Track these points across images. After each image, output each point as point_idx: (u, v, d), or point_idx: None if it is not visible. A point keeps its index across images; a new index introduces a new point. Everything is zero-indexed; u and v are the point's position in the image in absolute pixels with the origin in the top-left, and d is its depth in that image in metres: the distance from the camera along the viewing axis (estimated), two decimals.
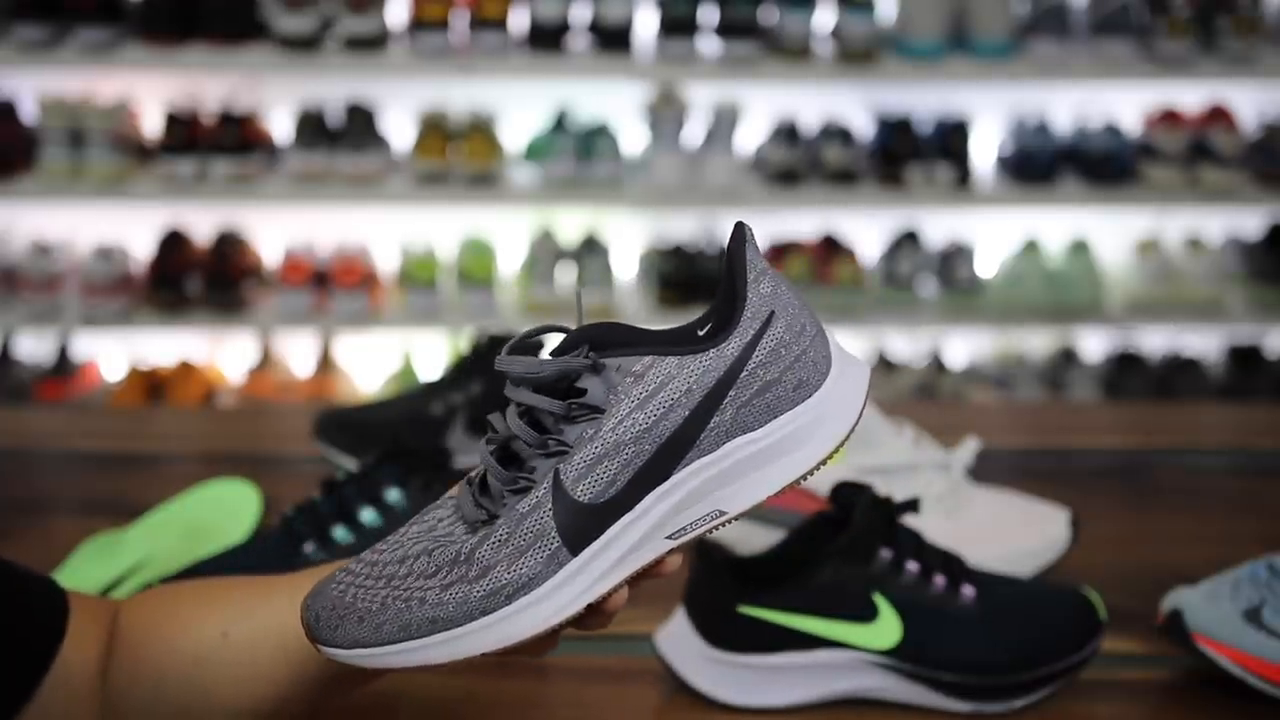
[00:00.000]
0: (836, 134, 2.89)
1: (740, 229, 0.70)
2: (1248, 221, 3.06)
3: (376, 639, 0.66)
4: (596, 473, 0.67)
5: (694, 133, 2.92)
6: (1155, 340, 3.08)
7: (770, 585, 0.91)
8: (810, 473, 0.69)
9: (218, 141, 2.79)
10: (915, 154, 2.87)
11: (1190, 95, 2.99)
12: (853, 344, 3.06)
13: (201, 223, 2.95)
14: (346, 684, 0.77)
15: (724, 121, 2.89)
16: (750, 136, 2.98)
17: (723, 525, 0.69)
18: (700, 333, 0.71)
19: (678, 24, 2.78)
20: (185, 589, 0.80)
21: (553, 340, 0.71)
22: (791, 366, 0.69)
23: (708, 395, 0.67)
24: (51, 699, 0.72)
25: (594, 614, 0.69)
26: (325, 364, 2.99)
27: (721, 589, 0.91)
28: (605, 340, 0.68)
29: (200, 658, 0.74)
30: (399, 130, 2.96)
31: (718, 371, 0.68)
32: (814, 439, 0.69)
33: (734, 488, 0.68)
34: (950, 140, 2.89)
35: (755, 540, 1.08)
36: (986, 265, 3.02)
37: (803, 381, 0.69)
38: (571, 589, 0.67)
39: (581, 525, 0.67)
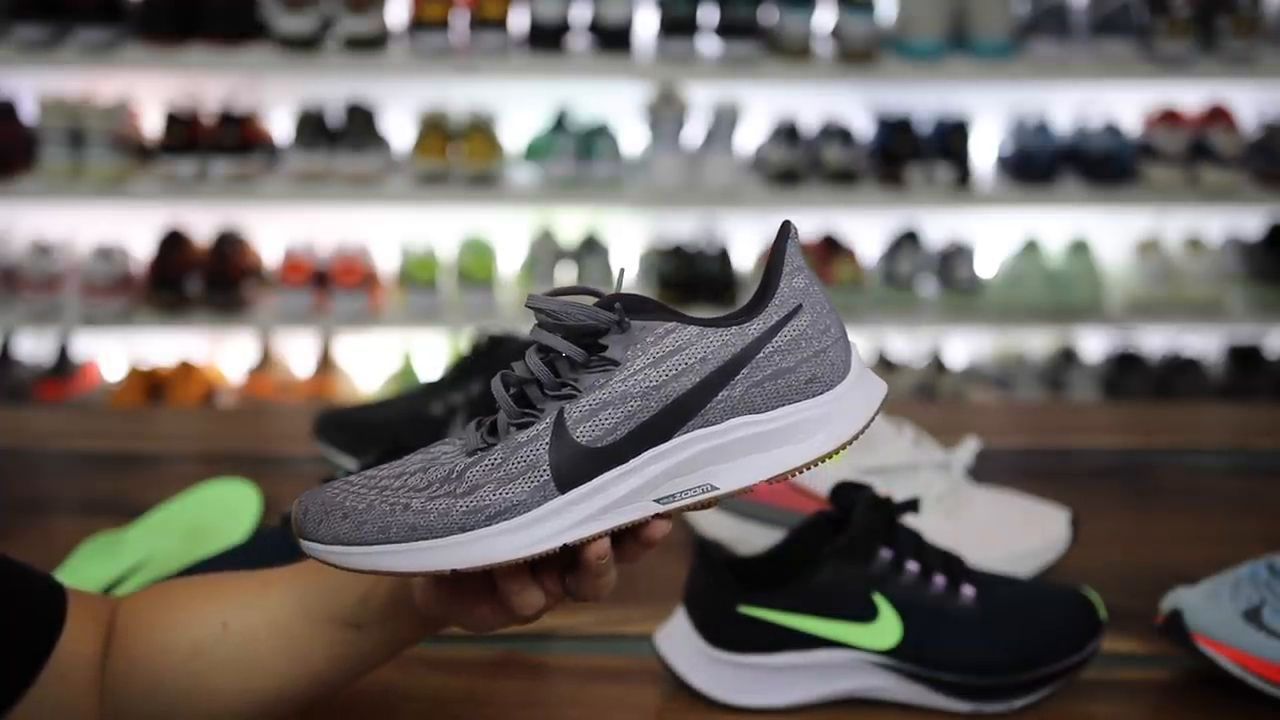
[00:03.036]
0: (836, 134, 2.89)
1: (786, 226, 0.72)
2: (1248, 221, 3.06)
3: (355, 537, 0.67)
4: (600, 418, 0.68)
5: (694, 133, 2.92)
6: (1155, 340, 3.08)
7: (770, 585, 0.91)
8: (806, 467, 0.70)
9: (218, 141, 2.79)
10: (915, 154, 2.87)
11: (1190, 95, 2.99)
12: None
13: (201, 223, 2.95)
14: (347, 675, 0.77)
15: (724, 121, 2.89)
16: (750, 136, 2.98)
17: (711, 502, 0.70)
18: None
19: (678, 24, 2.78)
20: (184, 583, 0.81)
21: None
22: (808, 360, 0.70)
23: (721, 368, 0.69)
24: (51, 692, 0.72)
25: (579, 573, 0.70)
26: (325, 364, 2.99)
27: (721, 589, 0.91)
28: (636, 306, 0.70)
29: (200, 649, 0.74)
30: (399, 130, 2.96)
31: (735, 347, 0.69)
32: (816, 435, 0.70)
33: (729, 465, 0.69)
34: (950, 140, 2.89)
35: (755, 540, 1.08)
36: (986, 265, 3.02)
37: (816, 377, 0.70)
38: (551, 524, 0.67)
39: (575, 465, 0.68)
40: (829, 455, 0.70)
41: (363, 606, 0.75)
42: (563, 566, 0.71)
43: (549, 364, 0.70)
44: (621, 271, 0.74)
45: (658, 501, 0.69)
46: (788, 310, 0.70)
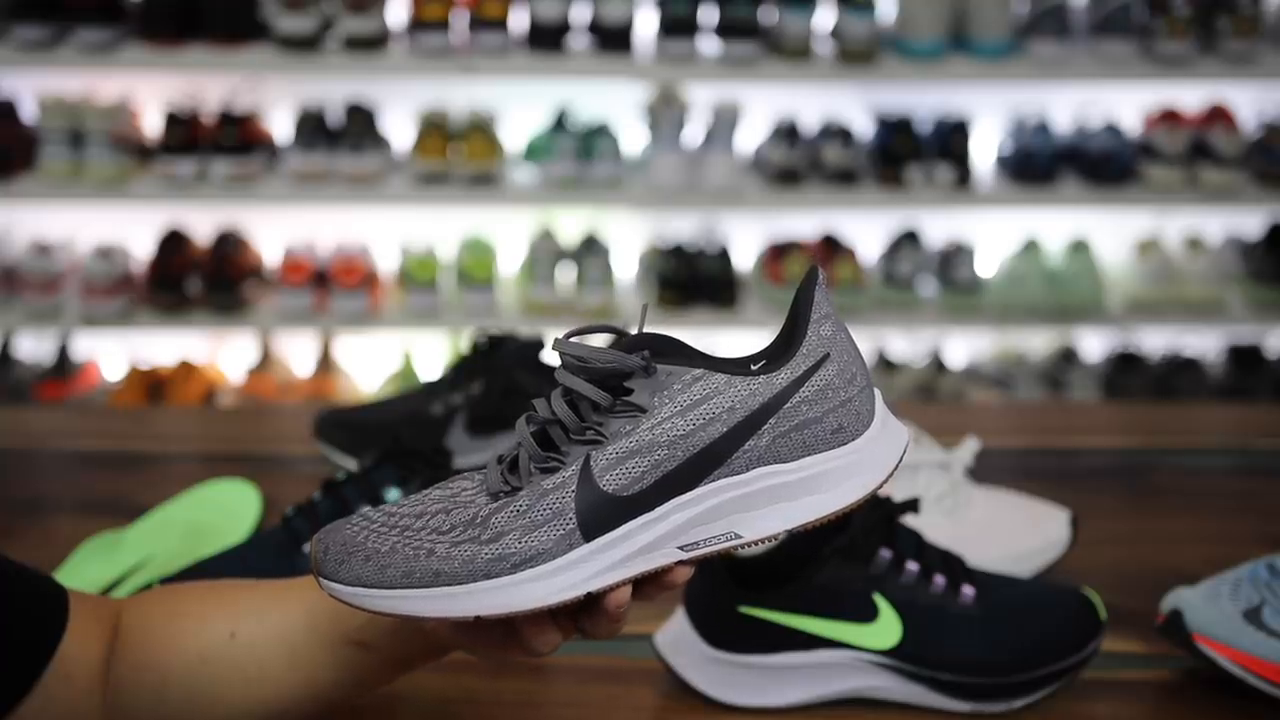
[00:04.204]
0: (836, 134, 2.89)
1: (814, 273, 0.72)
2: (1248, 221, 3.06)
3: (378, 580, 0.67)
4: (627, 466, 0.68)
5: (694, 133, 2.92)
6: (1155, 340, 3.08)
7: (770, 585, 0.91)
8: (830, 519, 0.70)
9: (218, 141, 2.79)
10: (915, 154, 2.87)
11: (1190, 95, 2.99)
12: None
13: (201, 223, 2.95)
14: (351, 691, 0.77)
15: (724, 121, 2.89)
16: (750, 136, 2.98)
17: (735, 550, 0.70)
18: (754, 367, 0.72)
19: (678, 24, 2.78)
20: (193, 589, 0.80)
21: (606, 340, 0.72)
22: (835, 410, 0.70)
23: (748, 417, 0.69)
24: (53, 695, 0.72)
25: (596, 616, 0.70)
26: (325, 364, 2.99)
27: (721, 589, 0.91)
28: (662, 348, 0.70)
29: (206, 657, 0.74)
30: (399, 130, 2.96)
31: (763, 396, 0.69)
32: (841, 486, 0.70)
33: (753, 514, 0.69)
34: (950, 140, 2.89)
35: None
36: (986, 265, 3.02)
37: (842, 427, 0.70)
38: (576, 573, 0.68)
39: (600, 513, 0.68)
40: (854, 506, 0.70)
41: (371, 626, 0.74)
42: (579, 607, 0.70)
43: (573, 406, 0.70)
44: (645, 308, 0.74)
45: (681, 549, 0.69)
46: (815, 359, 0.70)
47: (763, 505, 0.69)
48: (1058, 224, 3.05)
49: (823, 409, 0.70)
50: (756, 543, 0.69)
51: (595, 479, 0.68)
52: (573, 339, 0.71)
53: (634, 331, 0.72)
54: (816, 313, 0.71)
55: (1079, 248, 3.00)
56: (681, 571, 0.70)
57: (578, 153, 2.84)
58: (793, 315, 0.72)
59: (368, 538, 0.69)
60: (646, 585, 0.70)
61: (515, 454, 0.71)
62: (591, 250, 2.91)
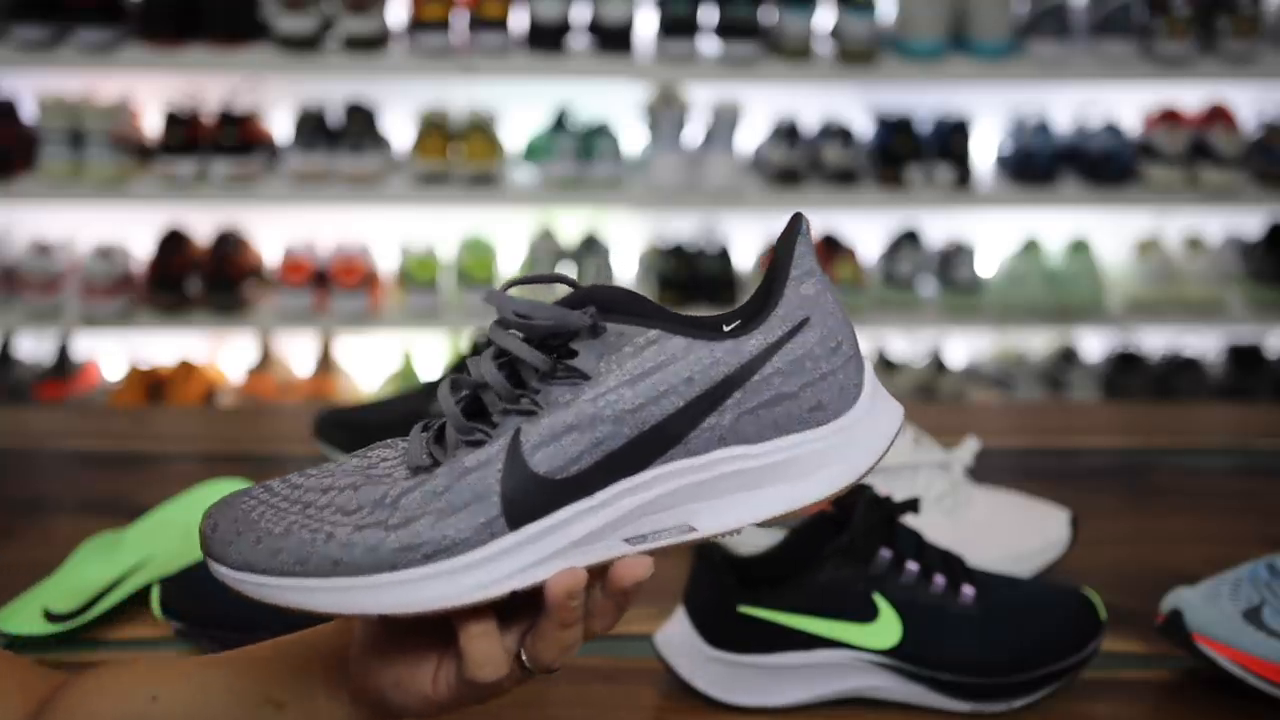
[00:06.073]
0: (836, 134, 2.89)
1: (797, 220, 0.63)
2: (1248, 221, 3.06)
3: (269, 566, 0.58)
4: (562, 443, 0.58)
5: (694, 133, 2.92)
6: (1155, 340, 3.08)
7: (770, 585, 0.91)
8: (800, 512, 0.60)
9: (218, 141, 2.79)
10: (915, 154, 2.87)
11: (1190, 95, 2.99)
12: None
13: (201, 223, 2.95)
14: None
15: (724, 121, 2.89)
16: (750, 136, 2.98)
17: (689, 543, 0.60)
18: (726, 328, 0.63)
19: (678, 24, 2.78)
20: (128, 659, 0.74)
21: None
22: (814, 384, 0.60)
23: (709, 390, 0.59)
24: None
25: (540, 627, 0.60)
26: (325, 364, 2.99)
27: (721, 589, 0.91)
28: (614, 305, 0.60)
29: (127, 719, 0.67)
30: (399, 130, 2.96)
31: (728, 366, 0.59)
32: (816, 474, 0.60)
33: (712, 504, 0.59)
34: (950, 140, 2.89)
35: (755, 540, 1.08)
36: (986, 265, 3.02)
37: (821, 404, 0.60)
38: (498, 567, 0.58)
39: (529, 498, 0.58)
40: (831, 498, 0.60)
41: (289, 684, 0.67)
42: (525, 626, 0.61)
43: (510, 373, 0.60)
44: (604, 265, 0.65)
45: (627, 541, 0.59)
46: (793, 323, 0.60)
47: (723, 494, 0.59)
48: (1058, 224, 3.05)
49: (799, 383, 0.59)
50: (712, 537, 0.60)
51: (525, 457, 0.58)
52: (511, 291, 0.60)
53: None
54: (798, 268, 0.61)
55: (1079, 248, 3.00)
56: (632, 566, 0.59)
57: (578, 153, 2.84)
58: (771, 271, 0.62)
59: (263, 515, 0.59)
60: (593, 595, 0.60)
61: (443, 421, 0.61)
62: (591, 250, 2.91)
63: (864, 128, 2.98)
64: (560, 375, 0.59)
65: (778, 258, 0.62)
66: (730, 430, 0.59)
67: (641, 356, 0.59)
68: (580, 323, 0.59)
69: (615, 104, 2.95)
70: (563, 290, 0.62)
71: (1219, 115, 2.93)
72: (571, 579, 0.58)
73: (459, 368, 0.61)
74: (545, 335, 0.59)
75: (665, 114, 2.85)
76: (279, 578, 0.58)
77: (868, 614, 0.89)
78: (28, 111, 2.88)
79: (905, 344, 3.10)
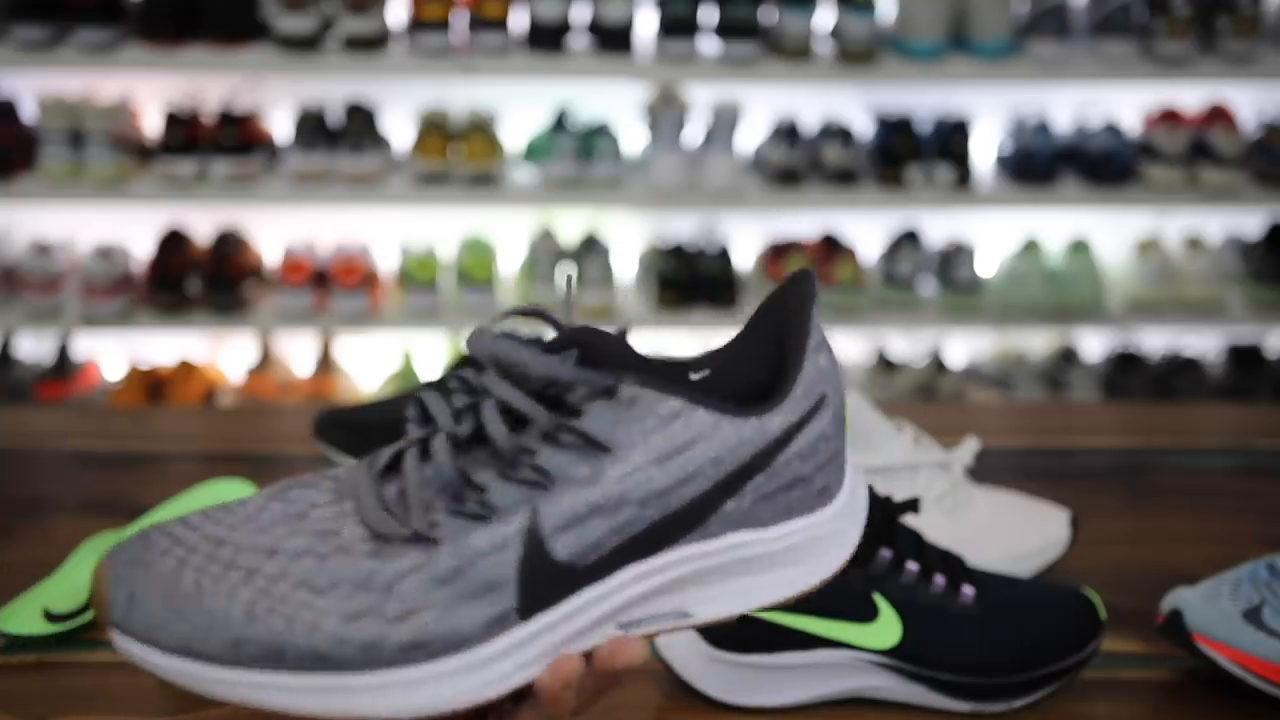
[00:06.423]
0: (836, 134, 2.89)
1: (810, 282, 0.58)
2: (1248, 221, 3.06)
3: (228, 657, 0.49)
4: (587, 527, 0.52)
5: (694, 133, 2.92)
6: (1155, 340, 3.08)
7: None
8: (791, 600, 0.57)
9: (218, 141, 2.79)
10: (915, 154, 2.87)
11: (1190, 95, 2.99)
12: (853, 344, 3.06)
13: (201, 223, 2.95)
14: None
15: (724, 121, 2.89)
16: (750, 136, 2.98)
17: (678, 630, 0.56)
18: (694, 376, 0.59)
19: (678, 24, 2.78)
20: None
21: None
22: (824, 467, 0.57)
23: (735, 472, 0.54)
24: None
25: (527, 703, 0.55)
26: (325, 364, 2.99)
27: None
28: (599, 351, 0.55)
29: None
30: (399, 130, 2.96)
31: (754, 446, 0.55)
32: (810, 559, 0.57)
33: (714, 589, 0.56)
34: (950, 140, 2.89)
35: None
36: (986, 265, 3.02)
37: (826, 488, 0.57)
38: (508, 662, 0.52)
39: (545, 587, 0.52)
40: (823, 583, 0.58)
41: None
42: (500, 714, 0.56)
43: (509, 417, 0.54)
44: (570, 281, 0.58)
45: (620, 626, 0.55)
46: (813, 401, 0.56)
47: (726, 579, 0.55)
48: (1058, 224, 3.05)
49: (813, 465, 0.56)
50: (705, 625, 0.56)
51: (545, 542, 0.52)
52: (503, 335, 0.54)
53: (562, 316, 0.57)
54: (814, 338, 0.57)
55: (1079, 248, 3.00)
56: (626, 646, 0.54)
57: (578, 153, 2.84)
58: (787, 340, 0.58)
59: (200, 584, 0.50)
60: (583, 678, 0.55)
61: (400, 479, 0.53)
62: (591, 250, 2.91)
63: (864, 128, 2.98)
64: (567, 441, 0.53)
65: (791, 324, 0.58)
66: (746, 514, 0.55)
67: (668, 431, 0.53)
68: (599, 383, 0.53)
69: (615, 104, 2.95)
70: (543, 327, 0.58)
71: (1219, 115, 2.93)
72: (569, 668, 0.53)
73: (424, 417, 0.55)
74: (539, 387, 0.54)
75: (665, 114, 2.85)
76: (240, 670, 0.50)
77: (867, 614, 0.89)
78: (28, 111, 2.88)
79: (905, 344, 3.10)
